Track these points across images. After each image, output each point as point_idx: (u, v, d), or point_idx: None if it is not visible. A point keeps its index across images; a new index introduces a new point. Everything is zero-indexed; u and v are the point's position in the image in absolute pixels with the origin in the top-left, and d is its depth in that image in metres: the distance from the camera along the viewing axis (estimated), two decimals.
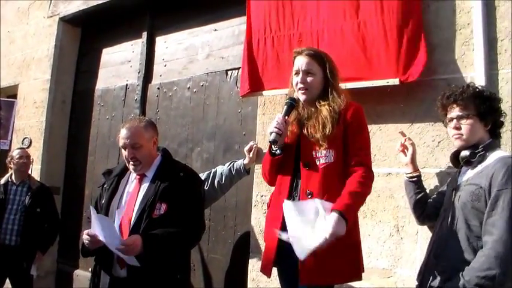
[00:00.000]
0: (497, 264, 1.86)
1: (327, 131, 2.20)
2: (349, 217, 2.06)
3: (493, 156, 2.10)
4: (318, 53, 2.40)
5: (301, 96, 2.36)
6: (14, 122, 5.65)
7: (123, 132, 2.59)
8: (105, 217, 2.45)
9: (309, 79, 2.32)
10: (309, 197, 2.19)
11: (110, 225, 2.36)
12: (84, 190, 5.23)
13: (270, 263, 2.33)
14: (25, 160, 4.36)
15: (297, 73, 2.35)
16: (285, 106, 2.36)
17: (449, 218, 2.15)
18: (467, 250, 2.02)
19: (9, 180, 4.32)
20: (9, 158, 4.38)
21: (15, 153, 4.39)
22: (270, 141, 2.29)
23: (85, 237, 2.40)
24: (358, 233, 2.32)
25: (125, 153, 2.58)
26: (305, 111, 2.36)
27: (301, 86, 2.33)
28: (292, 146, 2.33)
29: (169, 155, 2.78)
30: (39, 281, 4.77)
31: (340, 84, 2.41)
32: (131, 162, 2.57)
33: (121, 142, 2.59)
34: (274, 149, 2.34)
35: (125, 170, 2.72)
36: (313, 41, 3.11)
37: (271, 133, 2.26)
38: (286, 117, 2.31)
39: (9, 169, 4.39)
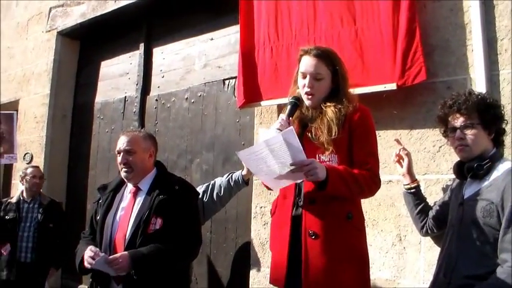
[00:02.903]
0: None
1: (333, 134, 2.06)
2: (331, 175, 1.97)
3: (501, 168, 2.00)
4: (326, 53, 2.21)
5: (306, 101, 2.21)
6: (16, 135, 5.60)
7: (121, 139, 2.61)
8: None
9: (316, 84, 2.16)
10: (312, 204, 2.08)
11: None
12: (86, 205, 5.18)
13: (282, 278, 2.14)
14: (38, 180, 4.34)
15: (304, 76, 2.19)
16: (289, 106, 2.21)
17: (458, 235, 2.05)
18: (481, 267, 1.92)
19: (21, 198, 4.31)
20: (22, 174, 4.36)
21: (29, 170, 4.36)
22: None
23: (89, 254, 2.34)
24: (366, 247, 2.19)
25: (118, 159, 2.57)
26: (309, 112, 2.22)
27: (308, 90, 2.17)
28: None
29: (163, 168, 2.74)
30: None
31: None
32: (123, 169, 2.55)
33: (117, 147, 2.60)
34: None
35: (120, 185, 2.69)
36: None
37: None
38: (290, 118, 2.17)
39: (21, 184, 4.37)
